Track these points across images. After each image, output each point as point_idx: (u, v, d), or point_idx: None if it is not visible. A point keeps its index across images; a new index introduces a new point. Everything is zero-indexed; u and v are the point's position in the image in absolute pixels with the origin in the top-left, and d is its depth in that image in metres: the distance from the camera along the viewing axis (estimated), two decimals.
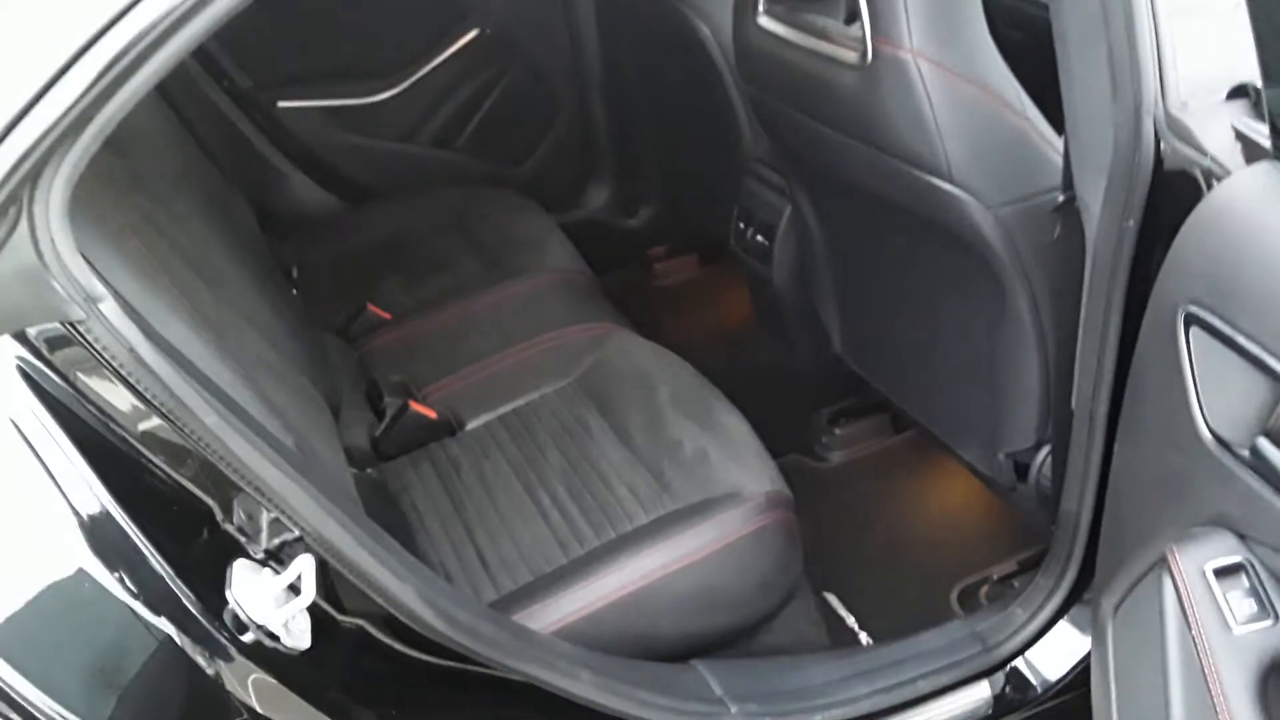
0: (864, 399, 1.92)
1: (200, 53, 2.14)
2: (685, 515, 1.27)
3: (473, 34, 2.32)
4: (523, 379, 1.63)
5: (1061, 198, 1.15)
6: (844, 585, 1.63)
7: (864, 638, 1.55)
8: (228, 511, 0.87)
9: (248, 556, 0.87)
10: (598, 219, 2.55)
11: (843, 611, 1.59)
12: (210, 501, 0.86)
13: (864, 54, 1.19)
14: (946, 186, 1.19)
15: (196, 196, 1.40)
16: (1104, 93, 0.95)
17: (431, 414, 1.57)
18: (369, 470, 1.46)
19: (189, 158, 1.53)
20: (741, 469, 1.32)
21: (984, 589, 1.61)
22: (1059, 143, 1.15)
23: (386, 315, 1.87)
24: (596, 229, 2.54)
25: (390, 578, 0.92)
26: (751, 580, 1.28)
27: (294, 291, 1.80)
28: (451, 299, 1.89)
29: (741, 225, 1.90)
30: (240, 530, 0.88)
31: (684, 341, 2.31)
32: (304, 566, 0.85)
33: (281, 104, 2.24)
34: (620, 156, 2.51)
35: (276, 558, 0.89)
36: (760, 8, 1.38)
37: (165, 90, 1.64)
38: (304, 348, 1.42)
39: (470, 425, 1.57)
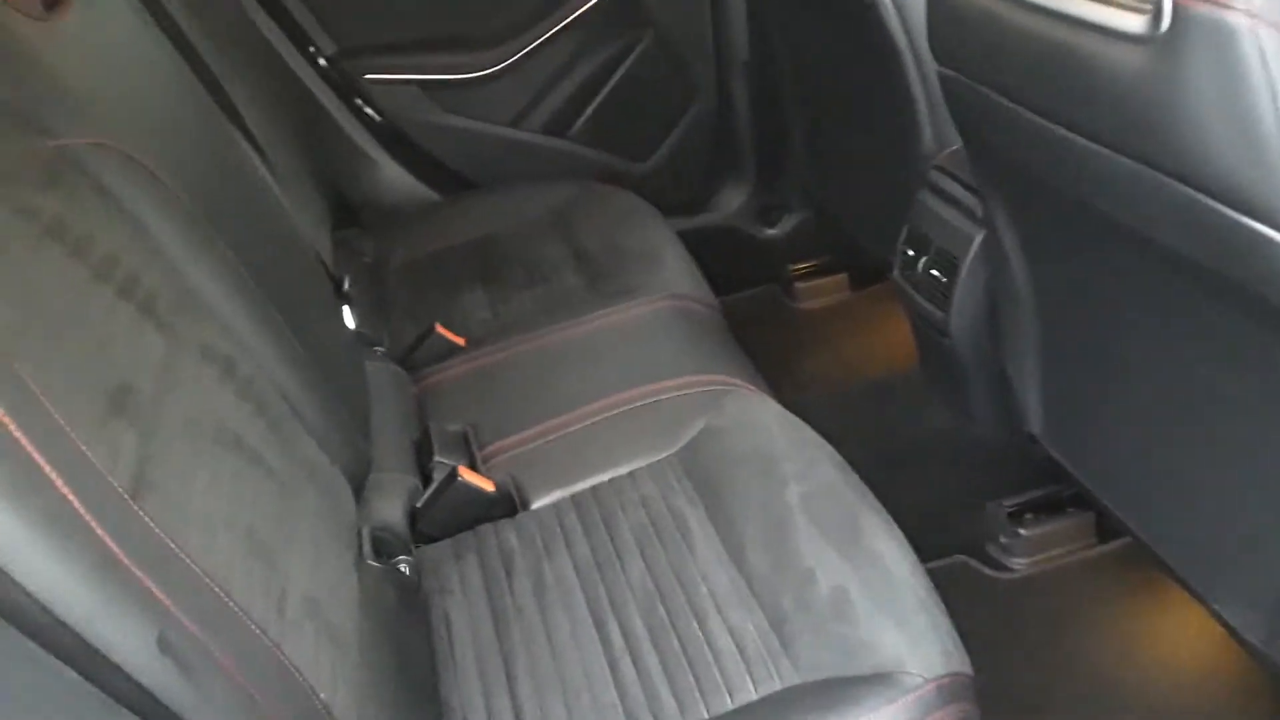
0: (1061, 489, 1.46)
1: (282, 14, 1.85)
2: (813, 701, 0.86)
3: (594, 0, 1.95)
4: (610, 444, 1.25)
5: None
6: None
7: None
8: None
9: None
10: (732, 225, 2.15)
11: None
12: None
13: (1156, 14, 0.74)
14: None
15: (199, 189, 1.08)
16: None
17: (488, 485, 1.20)
18: (401, 561, 1.11)
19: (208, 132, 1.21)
20: (901, 631, 0.90)
21: None
22: None
23: (459, 340, 1.52)
24: (730, 237, 2.15)
25: None
26: None
27: (344, 309, 1.46)
28: (541, 324, 1.52)
29: (910, 252, 1.46)
30: None
31: (826, 384, 1.91)
32: None
33: (370, 76, 1.92)
34: (763, 153, 2.10)
35: None
36: None
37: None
38: (322, 400, 1.08)
39: (536, 504, 1.20)
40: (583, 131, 2.04)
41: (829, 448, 1.18)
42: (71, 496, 0.59)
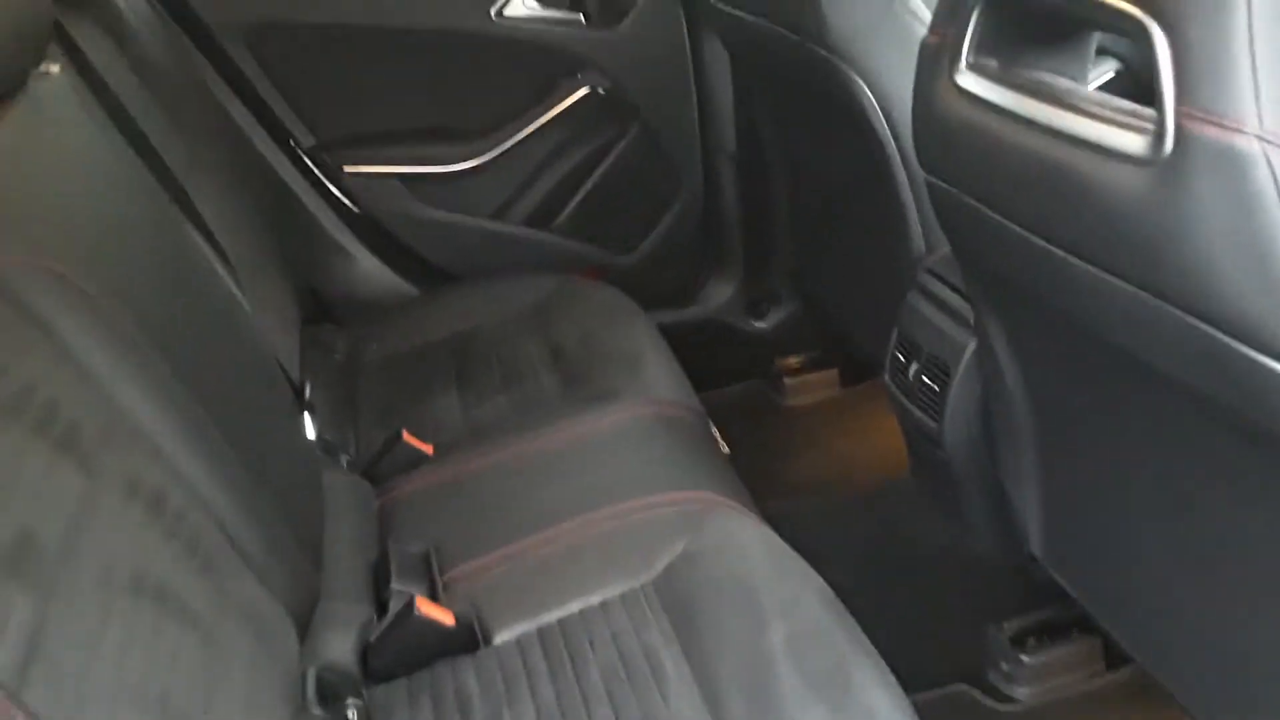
0: (1067, 611, 1.37)
1: (259, 105, 1.82)
2: None
3: (582, 92, 1.92)
4: (582, 569, 1.16)
5: None
6: None
7: None
8: None
9: None
10: (718, 319, 2.09)
11: None
12: None
13: (1158, 135, 0.68)
14: None
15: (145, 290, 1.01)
16: None
17: (447, 618, 1.11)
18: (349, 704, 1.01)
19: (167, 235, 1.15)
20: None
21: None
22: None
23: (427, 449, 1.44)
24: (716, 331, 2.09)
25: None
26: None
27: (304, 416, 1.39)
28: (514, 431, 1.45)
29: (902, 357, 1.39)
30: None
31: (814, 490, 1.83)
32: None
33: (349, 169, 1.88)
34: (751, 245, 2.06)
35: None
36: (963, 60, 0.89)
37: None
38: (265, 528, 0.99)
39: (499, 638, 1.11)
40: (567, 224, 2.00)
41: (816, 578, 1.09)
42: None
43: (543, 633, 1.09)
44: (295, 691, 0.95)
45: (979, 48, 0.88)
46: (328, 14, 1.78)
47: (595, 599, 1.12)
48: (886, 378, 1.44)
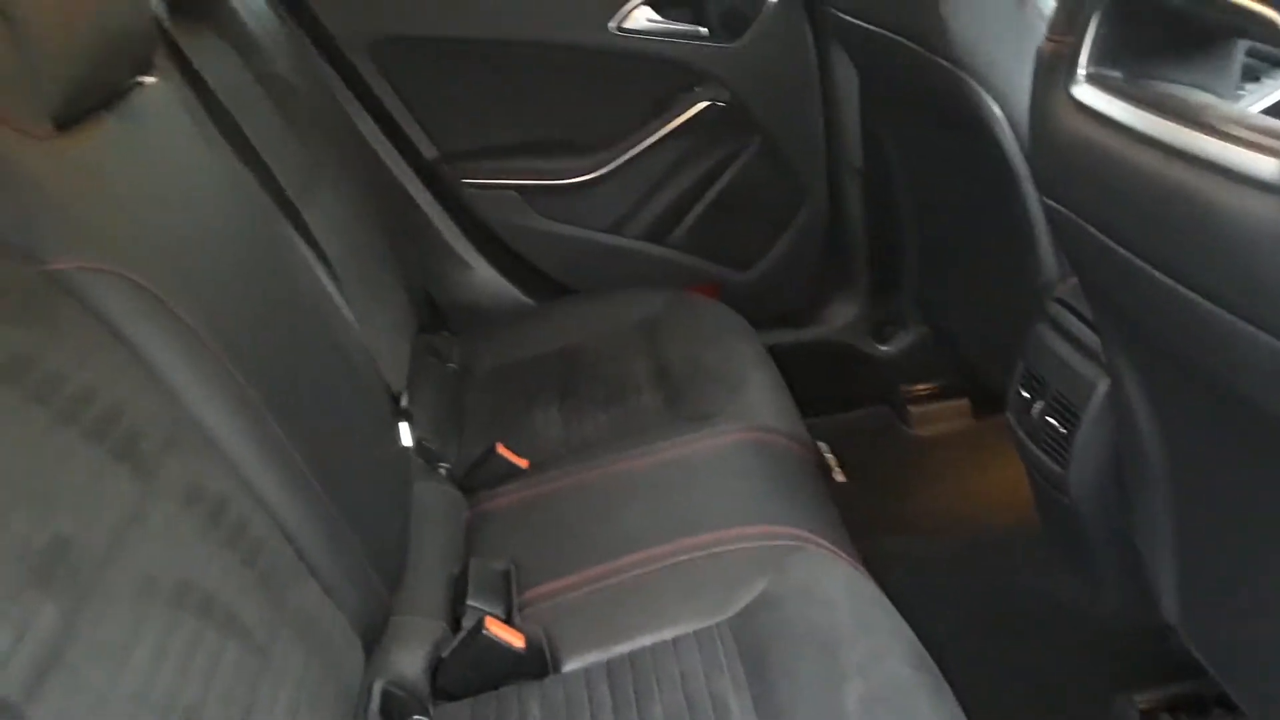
0: (1206, 685, 1.22)
1: (383, 117, 1.86)
2: None
3: (701, 106, 1.87)
4: (659, 601, 1.12)
5: None
6: None
7: None
8: None
9: None
10: (841, 340, 2.01)
11: None
12: None
13: None
14: None
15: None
16: None
17: (518, 641, 1.08)
18: None
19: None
20: None
21: None
22: None
23: (522, 462, 1.43)
24: (839, 353, 2.00)
25: None
26: None
27: (403, 426, 1.40)
28: (610, 450, 1.42)
29: (1025, 393, 1.28)
30: None
31: (935, 526, 1.71)
32: None
33: (468, 181, 1.90)
34: (878, 265, 1.96)
35: None
36: (1080, 70, 0.79)
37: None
38: (336, 541, 0.99)
39: (567, 666, 1.07)
40: (684, 239, 1.96)
41: (907, 632, 1.01)
42: None
43: (611, 665, 1.05)
44: (354, 707, 0.95)
45: (1100, 57, 0.78)
46: (452, 28, 1.81)
47: (668, 634, 1.07)
48: (1009, 414, 1.33)
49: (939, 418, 1.96)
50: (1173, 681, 1.25)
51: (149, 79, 0.98)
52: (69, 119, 0.84)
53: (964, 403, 1.94)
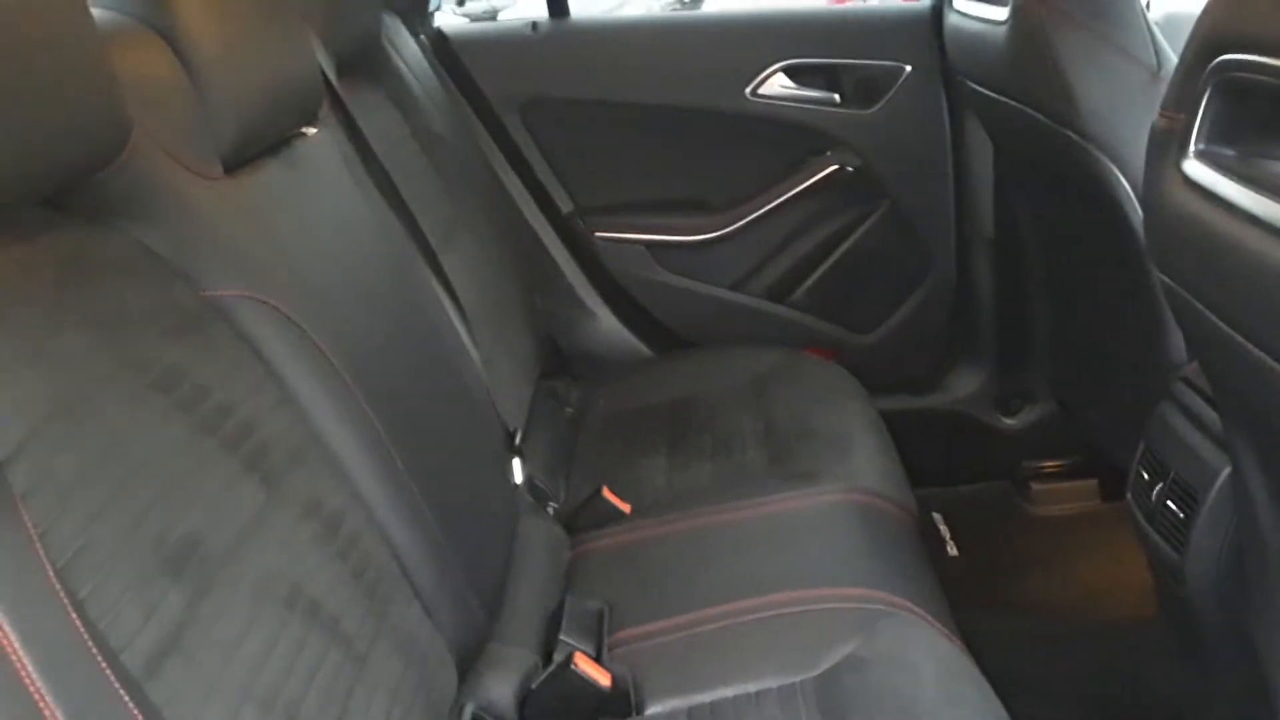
0: None
1: (526, 171, 1.97)
2: None
3: (831, 169, 1.90)
4: (746, 653, 1.12)
5: None
6: None
7: None
8: None
9: None
10: (964, 411, 1.97)
11: None
12: None
13: None
14: None
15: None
16: None
17: (605, 679, 1.11)
18: None
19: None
20: None
21: None
22: None
23: (625, 507, 1.46)
24: (960, 423, 1.96)
25: None
26: None
27: (515, 462, 1.46)
28: (710, 501, 1.44)
29: (1146, 475, 1.23)
30: None
31: (1047, 610, 1.65)
32: None
33: (600, 235, 1.98)
34: (1005, 336, 1.92)
35: None
36: (1191, 147, 0.78)
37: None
38: (440, 565, 1.05)
39: (651, 708, 1.09)
40: (804, 299, 1.98)
41: (998, 708, 0.98)
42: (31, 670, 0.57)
43: (693, 712, 1.06)
44: None
45: (1212, 134, 0.77)
46: (596, 91, 1.90)
47: (752, 687, 1.07)
48: (1129, 496, 1.28)
49: (1064, 497, 1.89)
50: None
51: (312, 130, 1.09)
52: (237, 163, 0.95)
53: (1092, 483, 1.87)
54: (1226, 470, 1.08)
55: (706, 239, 1.96)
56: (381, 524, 0.99)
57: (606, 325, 2.00)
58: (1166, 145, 0.81)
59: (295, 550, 0.85)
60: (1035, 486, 1.90)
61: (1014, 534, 1.87)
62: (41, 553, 0.61)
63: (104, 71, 0.75)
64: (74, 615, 0.62)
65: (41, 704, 0.57)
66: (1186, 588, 1.15)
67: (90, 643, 0.62)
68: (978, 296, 1.93)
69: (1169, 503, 1.17)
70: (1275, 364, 0.73)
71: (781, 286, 1.97)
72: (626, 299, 1.99)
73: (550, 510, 1.50)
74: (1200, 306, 0.82)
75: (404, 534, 1.02)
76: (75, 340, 0.71)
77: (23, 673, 0.57)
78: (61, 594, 0.62)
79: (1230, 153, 0.76)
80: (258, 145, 0.98)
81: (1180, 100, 0.78)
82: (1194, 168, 0.78)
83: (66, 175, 0.75)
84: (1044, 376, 1.88)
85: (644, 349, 2.00)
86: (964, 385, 1.98)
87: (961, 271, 1.92)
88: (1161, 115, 0.82)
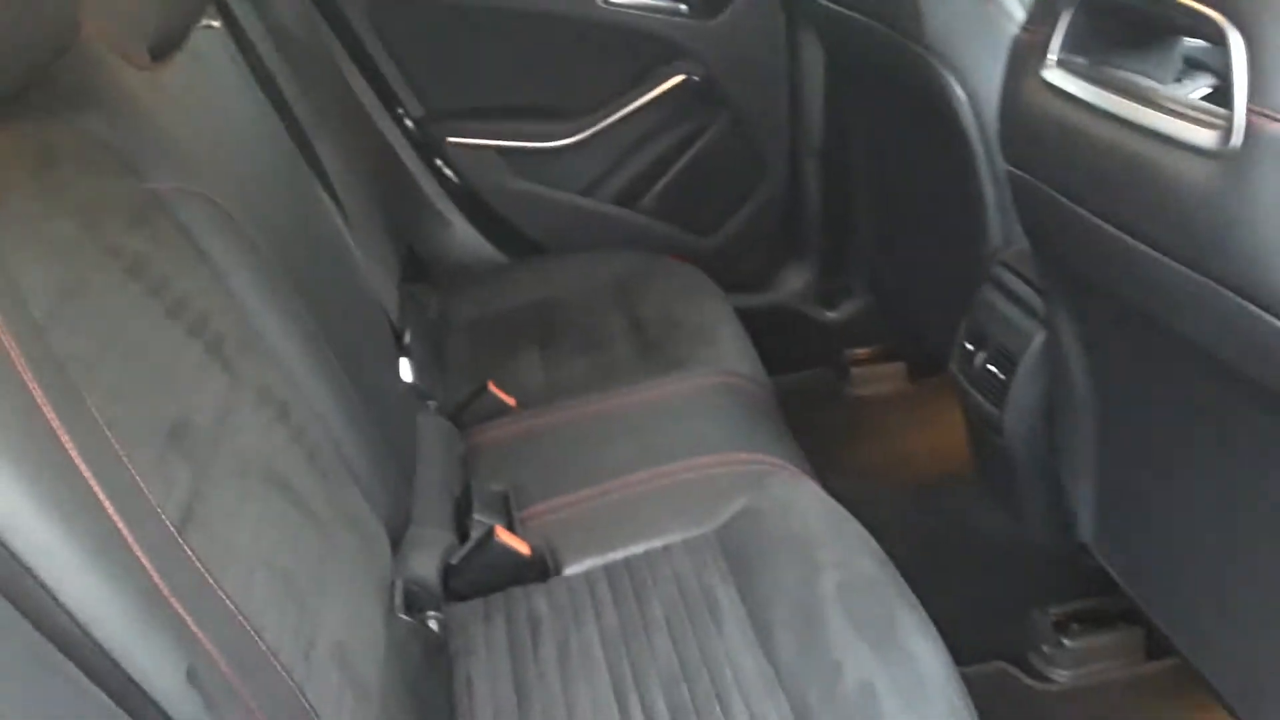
0: (1111, 602, 1.41)
1: (374, 74, 1.93)
2: None
3: (677, 80, 1.99)
4: (649, 516, 1.24)
5: None
6: None
7: None
8: None
9: None
10: (790, 306, 2.16)
11: None
12: None
13: (1227, 130, 0.74)
14: None
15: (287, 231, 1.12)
16: None
17: (523, 548, 1.20)
18: (430, 616, 1.11)
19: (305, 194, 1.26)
20: None
21: None
22: None
23: (510, 401, 1.54)
24: (787, 318, 2.15)
25: None
26: None
27: (404, 361, 1.49)
28: (591, 390, 1.53)
29: (969, 346, 1.44)
30: None
31: (874, 475, 1.88)
32: None
33: (452, 140, 1.99)
34: (829, 237, 2.11)
35: None
36: (1051, 55, 0.94)
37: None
38: (371, 451, 1.09)
39: (569, 569, 1.20)
40: (652, 204, 2.08)
41: (870, 539, 1.16)
42: (122, 525, 0.60)
43: (610, 568, 1.18)
44: (386, 597, 1.05)
45: (1068, 46, 0.93)
46: None
47: (659, 543, 1.20)
48: (953, 366, 1.49)
49: (877, 380, 2.12)
50: (1082, 597, 1.43)
51: (214, 22, 1.06)
52: (160, 51, 0.92)
53: (901, 366, 2.11)
54: (1040, 336, 1.30)
55: (558, 146, 2.01)
56: (319, 413, 1.02)
57: (461, 232, 2.02)
58: (1028, 56, 0.97)
59: (261, 433, 0.88)
60: (854, 370, 2.13)
61: (838, 413, 2.09)
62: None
63: None
64: (100, 491, 0.64)
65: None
66: (1004, 437, 1.37)
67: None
68: (806, 204, 2.10)
69: (990, 366, 1.39)
70: (1110, 228, 0.91)
71: (630, 192, 2.06)
72: (480, 205, 2.02)
73: (432, 408, 1.55)
74: (1049, 190, 1.00)
75: (339, 421, 1.06)
76: (65, 226, 0.71)
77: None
78: (83, 469, 0.64)
79: (1082, 61, 0.93)
80: (177, 33, 0.96)
81: (1044, 17, 0.94)
82: (1054, 74, 0.94)
83: (28, 68, 0.72)
84: (862, 273, 2.10)
85: (499, 255, 2.04)
86: (792, 283, 2.16)
87: (792, 179, 2.08)
88: (1025, 30, 0.97)
